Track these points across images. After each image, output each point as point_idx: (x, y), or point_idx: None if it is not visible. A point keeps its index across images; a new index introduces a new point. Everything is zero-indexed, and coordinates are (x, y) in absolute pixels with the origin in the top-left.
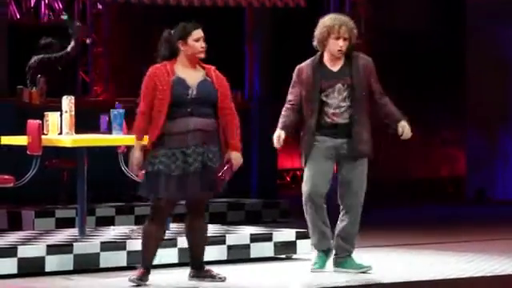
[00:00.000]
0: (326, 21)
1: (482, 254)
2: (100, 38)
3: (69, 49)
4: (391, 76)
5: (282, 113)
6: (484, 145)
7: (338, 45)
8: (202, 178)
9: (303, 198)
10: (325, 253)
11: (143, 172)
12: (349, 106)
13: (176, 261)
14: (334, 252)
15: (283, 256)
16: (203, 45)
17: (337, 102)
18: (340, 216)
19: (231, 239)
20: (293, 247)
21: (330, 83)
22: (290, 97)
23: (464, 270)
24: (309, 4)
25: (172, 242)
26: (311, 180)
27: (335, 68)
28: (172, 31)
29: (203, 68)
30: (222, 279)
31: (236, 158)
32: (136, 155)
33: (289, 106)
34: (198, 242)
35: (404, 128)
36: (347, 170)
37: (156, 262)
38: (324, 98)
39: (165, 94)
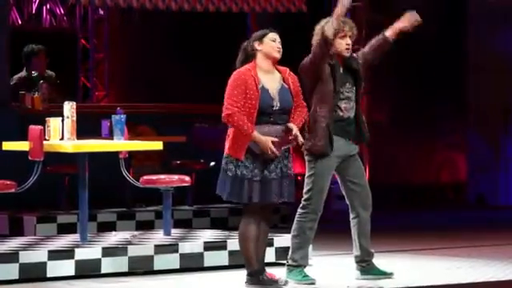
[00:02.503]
0: (326, 24)
1: (483, 260)
2: (101, 43)
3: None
4: (392, 80)
5: None
6: (485, 149)
7: (345, 43)
8: (281, 184)
9: (306, 212)
10: (305, 267)
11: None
12: (357, 102)
13: (178, 266)
14: (358, 259)
15: (284, 261)
16: (279, 45)
17: (350, 96)
18: (353, 218)
19: (232, 245)
20: None
21: (343, 80)
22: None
23: (467, 275)
24: (310, 9)
25: (174, 248)
26: (320, 197)
27: (341, 68)
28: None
29: (279, 71)
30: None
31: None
32: (263, 140)
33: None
34: (263, 244)
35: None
36: (354, 169)
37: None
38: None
39: (253, 103)
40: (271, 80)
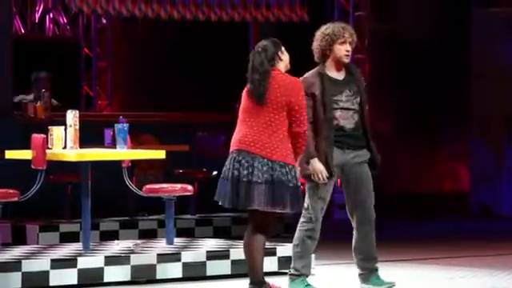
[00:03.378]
0: (326, 30)
1: (486, 269)
2: (104, 52)
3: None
4: (395, 89)
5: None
6: (489, 159)
7: (344, 49)
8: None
9: (305, 222)
10: (307, 277)
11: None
12: (356, 111)
13: (180, 275)
14: (358, 270)
15: (287, 271)
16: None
17: (345, 105)
18: (354, 230)
19: (235, 254)
20: None
21: (339, 90)
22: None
23: (470, 285)
24: (312, 18)
25: (176, 257)
26: (319, 206)
27: (340, 76)
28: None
29: None
30: None
31: None
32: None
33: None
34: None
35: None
36: (354, 180)
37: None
38: (334, 105)
39: None
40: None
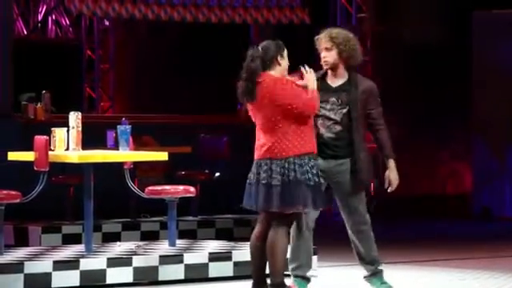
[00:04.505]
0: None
1: (487, 272)
2: (107, 54)
3: None
4: (397, 91)
5: None
6: (491, 161)
7: (322, 57)
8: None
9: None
10: (305, 280)
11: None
12: (337, 122)
13: (183, 277)
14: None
15: (288, 272)
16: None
17: (327, 114)
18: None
19: (238, 255)
20: None
21: (326, 97)
22: None
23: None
24: (313, 21)
25: (178, 259)
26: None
27: (334, 84)
28: None
29: None
30: None
31: None
32: None
33: None
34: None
35: (389, 178)
36: (339, 190)
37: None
38: (318, 111)
39: None
40: None
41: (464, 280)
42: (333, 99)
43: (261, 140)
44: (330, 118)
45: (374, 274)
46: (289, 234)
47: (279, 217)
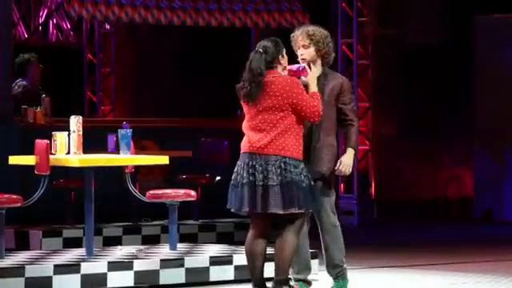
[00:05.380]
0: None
1: (489, 275)
2: (108, 58)
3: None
4: (398, 94)
5: None
6: (492, 164)
7: (299, 54)
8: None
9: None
10: (306, 283)
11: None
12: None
13: (183, 281)
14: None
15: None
16: None
17: None
18: None
19: (238, 259)
20: None
21: None
22: None
23: None
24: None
25: (179, 262)
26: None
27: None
28: None
29: None
30: None
31: None
32: None
33: None
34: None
35: (341, 160)
36: None
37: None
38: None
39: None
40: None
41: (465, 284)
42: None
43: (254, 137)
44: None
45: (337, 279)
46: (298, 233)
47: (289, 216)
